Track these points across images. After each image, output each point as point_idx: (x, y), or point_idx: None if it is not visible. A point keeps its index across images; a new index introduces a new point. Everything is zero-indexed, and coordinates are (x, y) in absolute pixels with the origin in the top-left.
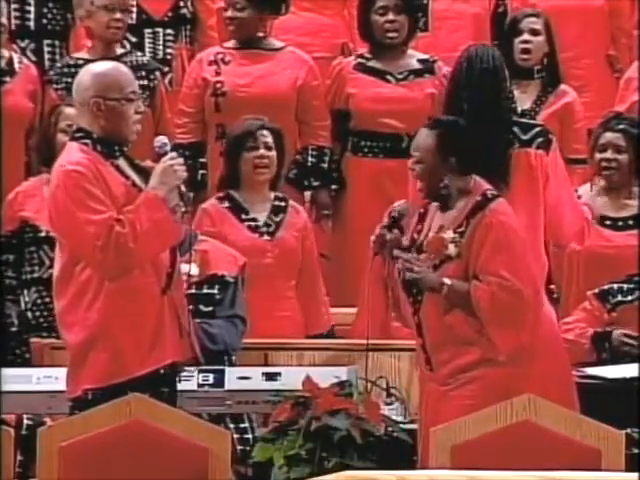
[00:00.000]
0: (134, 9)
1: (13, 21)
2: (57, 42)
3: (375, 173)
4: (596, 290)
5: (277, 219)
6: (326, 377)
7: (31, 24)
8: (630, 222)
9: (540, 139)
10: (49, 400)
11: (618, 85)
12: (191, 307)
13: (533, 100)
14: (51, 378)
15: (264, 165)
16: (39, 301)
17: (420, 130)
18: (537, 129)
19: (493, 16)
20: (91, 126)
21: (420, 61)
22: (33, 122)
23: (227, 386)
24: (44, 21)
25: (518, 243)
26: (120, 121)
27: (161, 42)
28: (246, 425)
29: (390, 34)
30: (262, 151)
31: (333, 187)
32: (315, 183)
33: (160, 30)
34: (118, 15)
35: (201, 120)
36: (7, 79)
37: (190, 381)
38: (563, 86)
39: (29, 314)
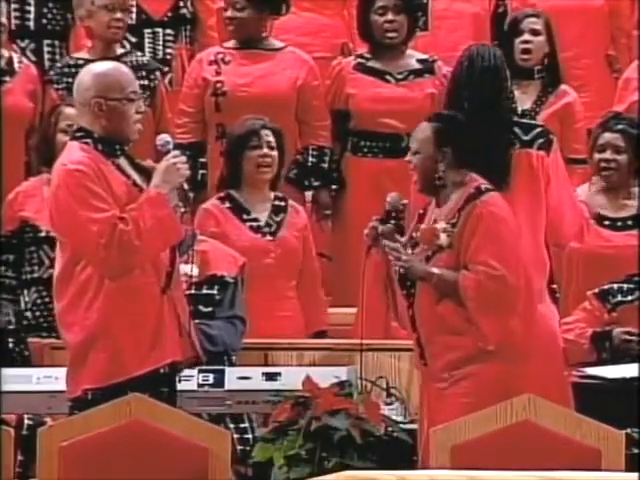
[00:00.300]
0: (134, 9)
1: (13, 21)
2: (57, 42)
3: (375, 173)
4: (596, 290)
5: (278, 219)
6: (326, 377)
7: (31, 24)
8: (629, 222)
9: (541, 140)
10: (49, 400)
11: (617, 85)
12: (190, 307)
13: (533, 100)
14: (51, 378)
15: (267, 164)
16: (39, 301)
17: (419, 124)
18: (538, 130)
19: (493, 16)
20: (92, 126)
21: (420, 61)
22: (33, 122)
23: (227, 386)
24: (44, 21)
25: (508, 234)
26: (121, 121)
27: (161, 42)
28: (246, 425)
29: (389, 34)
30: (265, 150)
31: (333, 187)
32: (315, 183)
33: (160, 30)
34: (118, 15)
35: (201, 120)
36: (7, 79)
37: (190, 381)
38: (563, 86)
39: (29, 314)
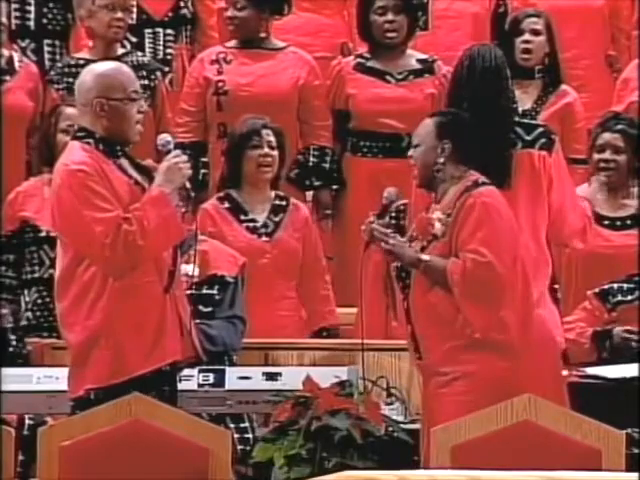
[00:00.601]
0: (134, 9)
1: (13, 21)
2: (57, 42)
3: (374, 173)
4: (596, 290)
5: (276, 219)
6: (326, 377)
7: (31, 24)
8: (628, 222)
9: (543, 140)
10: (49, 400)
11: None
12: (190, 307)
13: (534, 100)
14: (51, 378)
15: (267, 164)
16: (39, 301)
17: (423, 121)
18: (540, 130)
19: (493, 16)
20: (94, 126)
21: (419, 61)
22: (34, 121)
23: (227, 386)
24: (44, 21)
25: (500, 224)
26: (123, 121)
27: (161, 42)
28: (246, 425)
29: (389, 34)
30: (266, 150)
31: (334, 187)
32: (317, 183)
33: (160, 30)
34: (119, 14)
35: (203, 119)
36: (7, 78)
37: (190, 381)
38: (564, 86)
39: (29, 314)
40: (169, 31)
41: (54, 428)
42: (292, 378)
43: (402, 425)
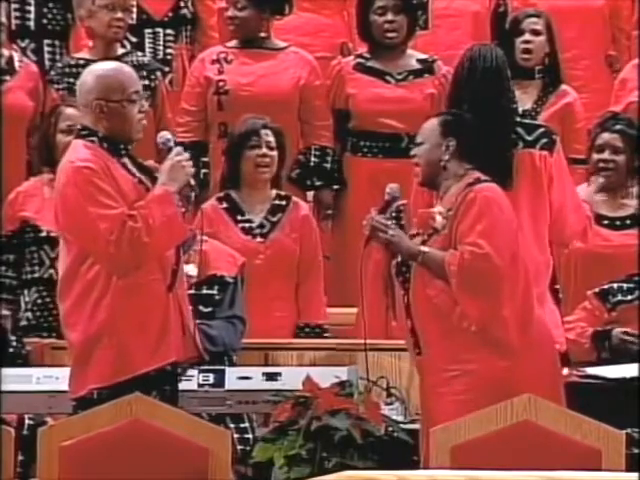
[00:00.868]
0: (134, 9)
1: (13, 21)
2: (57, 42)
3: (374, 173)
4: (596, 290)
5: (274, 219)
6: (326, 377)
7: (31, 24)
8: (628, 222)
9: (544, 140)
10: (49, 400)
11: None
12: (190, 308)
13: (534, 100)
14: (51, 378)
15: (265, 164)
16: (39, 301)
17: (427, 121)
18: (541, 130)
19: (493, 15)
20: (95, 126)
21: (419, 61)
22: (34, 121)
23: (227, 386)
24: (44, 21)
25: (500, 218)
26: (123, 122)
27: (161, 42)
28: (246, 425)
29: (389, 34)
30: (264, 150)
31: (335, 187)
32: (318, 183)
33: (160, 30)
34: (119, 14)
35: (203, 119)
36: (7, 78)
37: (190, 381)
38: (564, 86)
39: (29, 314)
40: (169, 31)
41: (54, 428)
42: (292, 378)
43: (402, 425)
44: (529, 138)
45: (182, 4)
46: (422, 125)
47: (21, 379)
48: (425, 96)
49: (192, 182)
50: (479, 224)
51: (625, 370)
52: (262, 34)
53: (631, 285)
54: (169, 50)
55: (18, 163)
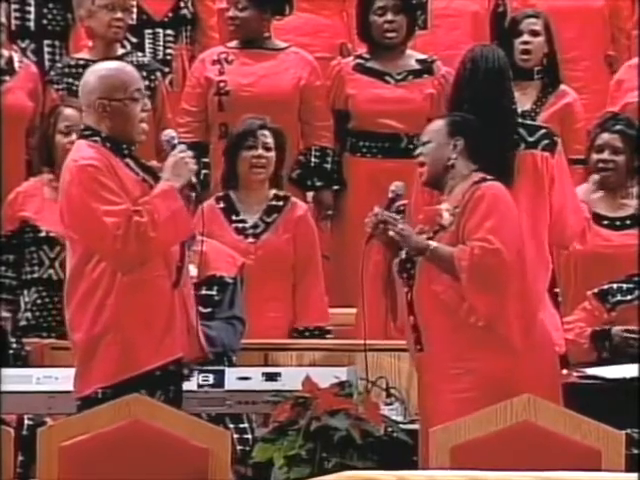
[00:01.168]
0: (134, 9)
1: (13, 21)
2: (57, 42)
3: (374, 173)
4: (596, 290)
5: (269, 220)
6: (326, 377)
7: (31, 24)
8: (628, 222)
9: (546, 141)
10: (49, 400)
11: None
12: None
13: (533, 101)
14: (51, 378)
15: (261, 165)
16: (39, 301)
17: (432, 122)
18: (543, 131)
19: (492, 16)
20: (98, 126)
21: (419, 61)
22: (33, 121)
23: (227, 386)
24: (44, 21)
25: (508, 215)
26: (126, 121)
27: (161, 43)
28: (246, 425)
29: (389, 34)
30: (260, 151)
31: (335, 187)
32: (318, 183)
33: (160, 31)
34: (119, 14)
35: (204, 119)
36: (7, 78)
37: (190, 381)
38: (563, 86)
39: (29, 314)
40: (169, 31)
41: (54, 428)
42: (291, 378)
43: (401, 425)
44: (531, 139)
45: (182, 4)
46: (424, 125)
47: (21, 379)
48: (425, 96)
49: (194, 180)
50: (488, 220)
51: (625, 370)
52: (263, 34)
53: (631, 285)
54: (169, 50)
55: (17, 163)
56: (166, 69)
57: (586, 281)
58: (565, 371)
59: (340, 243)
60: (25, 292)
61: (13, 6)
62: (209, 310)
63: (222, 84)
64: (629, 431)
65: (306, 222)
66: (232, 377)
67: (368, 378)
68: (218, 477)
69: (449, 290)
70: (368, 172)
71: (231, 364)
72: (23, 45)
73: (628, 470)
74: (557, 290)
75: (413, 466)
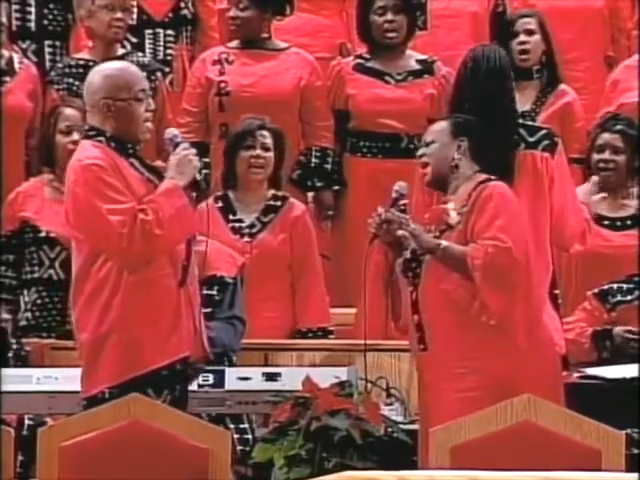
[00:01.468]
0: (135, 9)
1: (14, 22)
2: (58, 43)
3: (374, 173)
4: (596, 290)
5: (265, 219)
6: (326, 377)
7: (32, 25)
8: (628, 222)
9: (546, 142)
10: (49, 400)
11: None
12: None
13: (533, 101)
14: (51, 378)
15: (259, 165)
16: (39, 301)
17: (435, 123)
18: (543, 132)
19: (492, 16)
20: (103, 126)
21: (419, 62)
22: (33, 122)
23: (227, 386)
24: (45, 22)
25: (516, 214)
26: (130, 121)
27: (162, 43)
28: (246, 425)
29: (389, 34)
30: (258, 151)
31: (335, 188)
32: (318, 184)
33: (161, 31)
34: (119, 14)
35: (204, 120)
36: (7, 79)
37: (197, 381)
38: (562, 86)
39: (29, 314)
40: (169, 32)
41: (54, 428)
42: (292, 379)
43: (401, 425)
44: (531, 139)
45: (182, 5)
46: (425, 125)
47: (21, 379)
48: (425, 96)
49: (198, 177)
50: (497, 219)
51: (625, 370)
52: (263, 35)
53: (631, 285)
54: (169, 51)
55: (17, 164)
56: (166, 69)
57: (587, 281)
58: (565, 372)
59: (340, 243)
60: (25, 292)
61: (14, 7)
62: (209, 310)
63: (223, 84)
64: (629, 431)
65: (303, 222)
66: (232, 377)
67: (368, 377)
68: (218, 477)
69: (459, 289)
70: (368, 172)
71: (231, 364)
72: (24, 46)
73: (628, 470)
74: (557, 292)
75: (413, 466)
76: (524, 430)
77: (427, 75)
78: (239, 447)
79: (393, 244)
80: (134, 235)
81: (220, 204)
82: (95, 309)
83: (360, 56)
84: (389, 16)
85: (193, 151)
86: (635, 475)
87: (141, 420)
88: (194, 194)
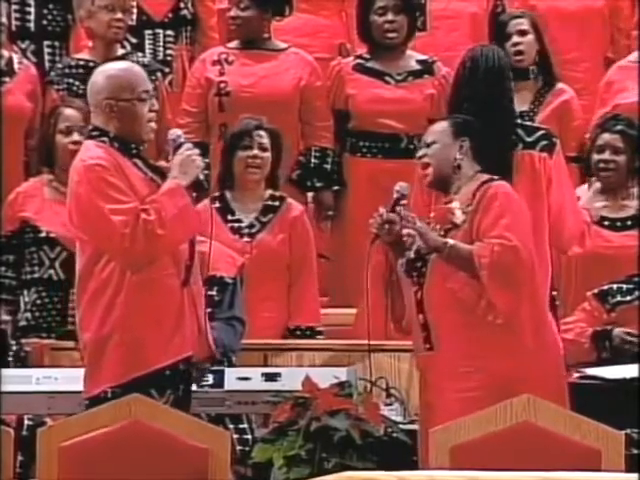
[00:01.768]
0: (134, 10)
1: (13, 22)
2: (57, 43)
3: (374, 173)
4: (595, 290)
5: (264, 219)
6: (326, 377)
7: (31, 25)
8: (629, 223)
9: (544, 142)
10: (49, 400)
11: None
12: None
13: (530, 101)
14: (51, 378)
15: (256, 165)
16: (39, 302)
17: (434, 124)
18: (541, 132)
19: (491, 17)
20: (106, 126)
21: (419, 62)
22: (33, 122)
23: (227, 387)
24: (44, 22)
25: (520, 213)
26: (134, 121)
27: (161, 43)
28: (245, 426)
29: (389, 34)
30: (255, 151)
31: (335, 188)
32: (318, 184)
33: (160, 31)
34: (119, 15)
35: (204, 120)
36: (7, 79)
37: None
38: (560, 84)
39: (29, 314)
40: (169, 32)
41: (53, 429)
42: (291, 379)
43: (401, 426)
44: (529, 139)
45: (182, 5)
46: (424, 126)
47: (21, 380)
48: (425, 97)
49: (201, 177)
50: (503, 218)
51: (625, 370)
52: (263, 35)
53: (630, 286)
54: (169, 51)
55: (16, 164)
56: (166, 70)
57: (587, 282)
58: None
59: (340, 243)
60: (25, 292)
61: (13, 7)
62: (209, 310)
63: (222, 85)
64: (629, 431)
65: (302, 223)
66: (232, 377)
67: (372, 378)
68: (218, 477)
69: (465, 288)
70: (368, 172)
71: (231, 364)
72: (23, 46)
73: (628, 470)
74: (554, 293)
75: (413, 466)
76: (524, 430)
77: (427, 75)
78: (239, 447)
79: (394, 244)
80: (136, 235)
81: (217, 204)
82: (98, 309)
83: (360, 56)
84: (389, 16)
85: (196, 151)
86: (635, 475)
87: (141, 420)
88: (196, 194)
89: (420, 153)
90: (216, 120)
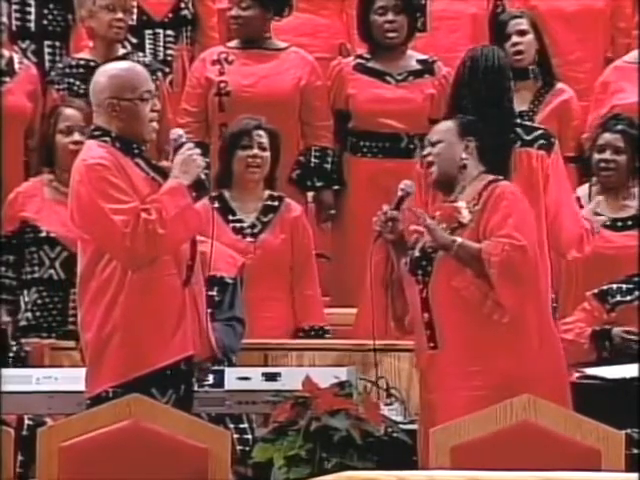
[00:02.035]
0: (135, 10)
1: (14, 22)
2: (58, 43)
3: (374, 173)
4: (595, 290)
5: (265, 219)
6: (326, 377)
7: (32, 25)
8: (629, 223)
9: (542, 141)
10: (49, 400)
11: None
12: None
13: (530, 101)
14: (51, 378)
15: (256, 165)
16: (39, 301)
17: (439, 123)
18: (540, 131)
19: (492, 18)
20: (109, 126)
21: (419, 62)
22: (33, 122)
23: (227, 386)
24: (45, 22)
25: (526, 213)
26: (136, 121)
27: (161, 43)
28: (246, 425)
29: (390, 34)
30: (255, 151)
31: (335, 187)
32: (318, 184)
33: (161, 31)
34: (120, 15)
35: (204, 120)
36: (7, 79)
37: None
38: (560, 84)
39: (29, 314)
40: (169, 32)
41: (53, 429)
42: (291, 378)
43: (401, 425)
44: (527, 138)
45: (182, 5)
46: (425, 125)
47: (21, 380)
48: (425, 97)
49: (203, 176)
50: (511, 218)
51: (625, 370)
52: (264, 34)
53: (630, 286)
54: (169, 51)
55: (16, 164)
56: (166, 69)
57: (588, 282)
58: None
59: (340, 243)
60: (25, 292)
61: (14, 7)
62: (209, 311)
63: (222, 84)
64: (629, 431)
65: (302, 223)
66: (232, 377)
67: (377, 377)
68: (218, 477)
69: (471, 286)
70: (368, 172)
71: (231, 364)
72: (24, 46)
73: (628, 470)
74: (552, 295)
75: (413, 466)
76: (524, 430)
77: (428, 75)
78: (239, 447)
79: (396, 242)
80: (137, 234)
81: (217, 204)
82: (99, 308)
83: (360, 56)
84: (390, 16)
85: (197, 151)
86: (635, 475)
87: (141, 420)
88: (196, 194)
89: (425, 152)
90: (216, 120)
